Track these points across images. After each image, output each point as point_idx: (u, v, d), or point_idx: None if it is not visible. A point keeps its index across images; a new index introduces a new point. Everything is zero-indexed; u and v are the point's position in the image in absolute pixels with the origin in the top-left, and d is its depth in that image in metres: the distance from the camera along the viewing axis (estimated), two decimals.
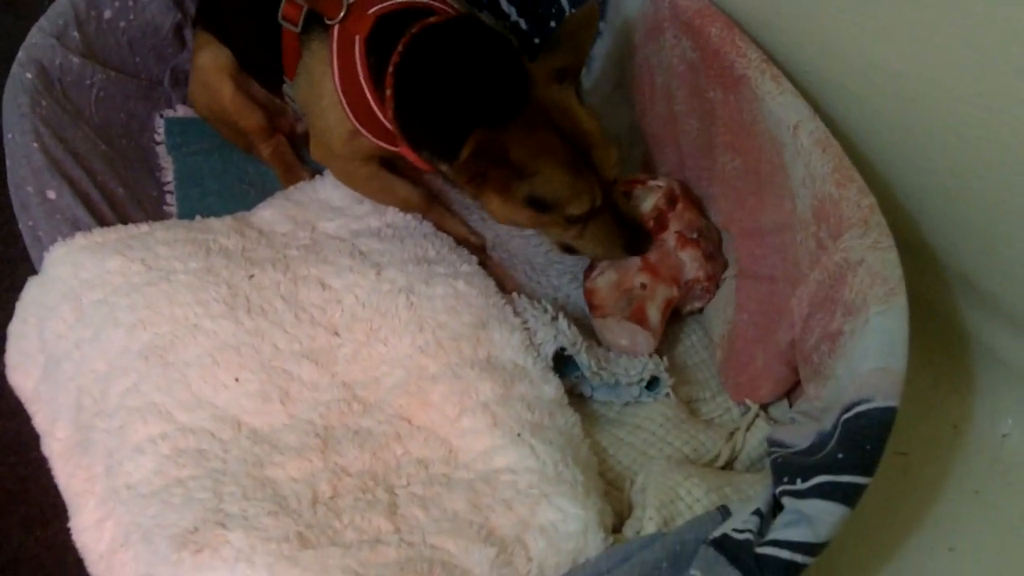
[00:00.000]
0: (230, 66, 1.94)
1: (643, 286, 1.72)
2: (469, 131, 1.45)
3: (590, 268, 1.80)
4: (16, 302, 1.64)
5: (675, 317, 1.80)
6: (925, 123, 1.38)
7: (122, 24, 1.99)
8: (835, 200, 1.37)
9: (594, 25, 1.64)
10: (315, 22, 1.69)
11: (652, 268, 1.72)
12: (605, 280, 1.75)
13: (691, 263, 1.73)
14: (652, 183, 1.79)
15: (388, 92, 1.62)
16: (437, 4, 1.71)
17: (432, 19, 1.63)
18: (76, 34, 1.89)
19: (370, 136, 1.72)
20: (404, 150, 1.70)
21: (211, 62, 1.94)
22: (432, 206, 1.93)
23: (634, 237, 1.68)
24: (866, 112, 1.49)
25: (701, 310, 1.83)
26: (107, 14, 1.96)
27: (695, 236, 1.74)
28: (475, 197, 1.66)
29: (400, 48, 1.61)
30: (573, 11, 1.65)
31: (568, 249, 1.73)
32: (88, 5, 1.92)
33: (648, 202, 1.76)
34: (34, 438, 1.55)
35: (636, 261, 1.73)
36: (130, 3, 1.99)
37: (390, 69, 1.61)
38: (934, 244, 1.53)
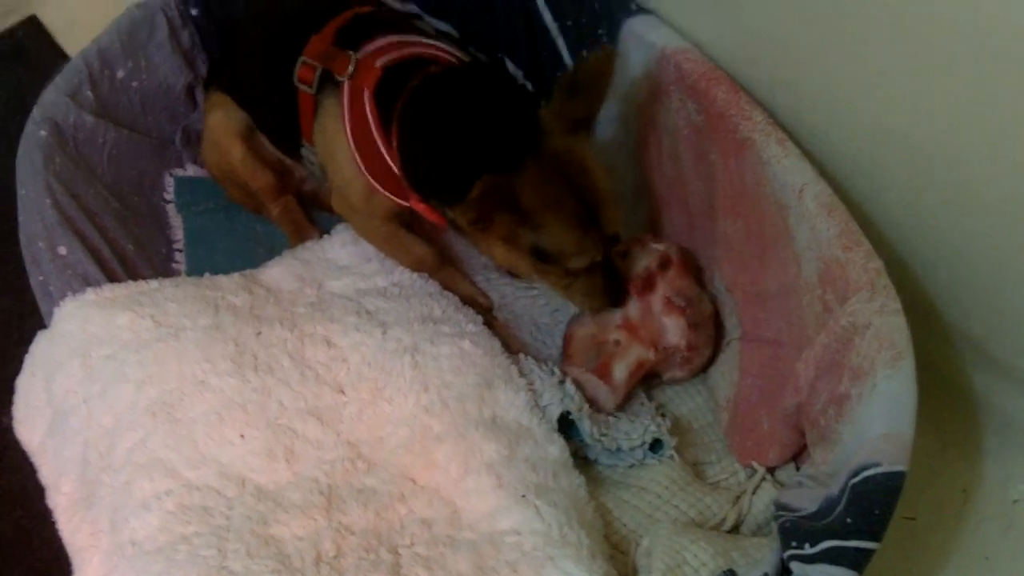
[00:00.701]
0: (241, 127, 1.96)
1: (616, 343, 1.73)
2: (476, 176, 1.45)
3: (576, 315, 1.82)
4: (25, 356, 1.64)
5: (656, 381, 1.81)
6: (933, 186, 1.39)
7: (135, 84, 2.02)
8: (841, 263, 1.38)
9: (611, 71, 1.60)
10: (328, 81, 1.71)
11: (631, 327, 1.73)
12: (584, 331, 1.77)
13: (674, 329, 1.73)
14: (653, 245, 1.80)
15: (395, 144, 1.64)
16: (444, 55, 1.72)
17: (433, 68, 1.65)
18: (90, 93, 1.91)
19: (384, 191, 1.72)
20: (414, 201, 1.70)
21: (222, 122, 1.95)
22: (444, 266, 1.93)
23: (616, 291, 1.70)
24: (873, 175, 1.50)
25: (683, 379, 1.82)
26: (120, 74, 1.98)
27: (683, 304, 1.74)
28: (476, 241, 1.67)
29: (404, 96, 1.62)
30: (587, 54, 1.62)
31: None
32: (102, 64, 1.94)
33: (640, 263, 1.77)
34: (39, 491, 1.54)
35: (616, 318, 1.74)
36: (143, 63, 2.02)
37: (395, 124, 1.63)
38: (942, 307, 1.53)
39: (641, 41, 1.76)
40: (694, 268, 1.82)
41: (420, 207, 1.70)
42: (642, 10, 1.80)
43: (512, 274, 1.97)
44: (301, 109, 1.77)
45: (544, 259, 1.58)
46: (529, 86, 2.04)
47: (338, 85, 1.69)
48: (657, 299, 1.73)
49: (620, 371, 1.70)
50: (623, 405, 1.73)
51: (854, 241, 1.38)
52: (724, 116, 1.62)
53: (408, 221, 1.88)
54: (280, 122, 1.86)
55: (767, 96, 1.63)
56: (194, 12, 2.07)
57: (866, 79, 1.40)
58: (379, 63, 1.66)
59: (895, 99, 1.37)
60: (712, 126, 1.67)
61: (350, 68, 1.67)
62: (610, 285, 1.68)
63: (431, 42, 1.75)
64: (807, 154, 1.53)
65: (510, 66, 2.09)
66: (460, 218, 1.56)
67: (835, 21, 1.40)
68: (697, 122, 1.71)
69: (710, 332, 1.78)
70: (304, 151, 1.84)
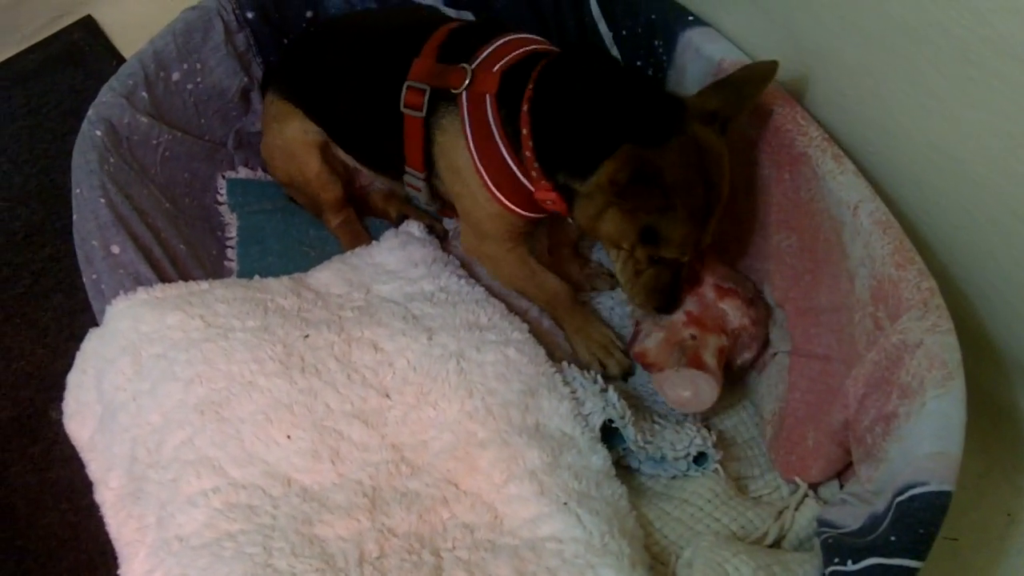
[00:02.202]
0: (319, 140, 1.98)
1: (693, 337, 1.72)
2: (615, 142, 1.44)
3: (633, 337, 1.81)
4: (76, 352, 1.66)
5: (728, 374, 1.78)
6: (987, 207, 1.38)
7: (189, 86, 2.03)
8: (894, 281, 1.38)
9: (769, 80, 1.58)
10: (440, 101, 1.71)
11: (697, 321, 1.73)
12: (653, 340, 1.75)
13: (733, 311, 1.74)
14: None
15: (524, 131, 1.63)
16: (554, 48, 1.73)
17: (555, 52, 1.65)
18: (145, 94, 1.92)
19: (509, 204, 1.72)
20: (539, 190, 1.66)
21: (299, 135, 1.97)
22: (577, 304, 1.91)
23: (674, 298, 1.70)
24: (927, 194, 1.49)
25: (753, 361, 1.81)
26: (175, 76, 2.00)
27: (732, 285, 1.75)
28: (585, 210, 1.61)
29: (531, 85, 1.62)
30: (756, 62, 1.61)
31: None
32: (157, 66, 1.95)
33: None
34: (86, 485, 1.56)
35: (680, 316, 1.73)
36: (198, 66, 2.03)
37: (524, 108, 1.62)
38: (992, 330, 1.53)
39: (698, 53, 1.77)
40: (722, 256, 1.84)
41: (546, 194, 1.66)
42: (699, 22, 1.80)
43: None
44: (407, 135, 1.77)
45: (648, 241, 1.57)
46: None
47: (452, 101, 1.69)
48: (708, 288, 1.74)
49: (710, 359, 1.69)
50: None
51: (907, 259, 1.38)
52: (780, 130, 1.63)
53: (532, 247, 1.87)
54: (382, 150, 1.88)
55: (822, 113, 1.63)
56: (250, 15, 2.08)
57: (921, 100, 1.40)
58: (496, 68, 1.67)
59: (949, 119, 1.37)
60: (767, 140, 1.67)
61: (467, 80, 1.67)
62: (674, 289, 1.68)
63: (534, 37, 1.75)
64: (862, 171, 1.53)
65: None
66: (594, 184, 1.54)
67: (892, 41, 1.40)
68: (751, 136, 1.71)
69: (765, 304, 1.79)
70: (407, 177, 1.85)
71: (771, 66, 1.58)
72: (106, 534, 1.49)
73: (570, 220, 1.69)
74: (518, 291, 1.93)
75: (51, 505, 1.90)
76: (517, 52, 1.69)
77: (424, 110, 1.73)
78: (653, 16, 1.86)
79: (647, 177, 1.45)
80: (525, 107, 1.62)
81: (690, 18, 1.81)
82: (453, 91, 1.69)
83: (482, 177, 1.70)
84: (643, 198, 1.50)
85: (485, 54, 1.70)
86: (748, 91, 1.58)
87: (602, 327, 1.90)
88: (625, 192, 1.48)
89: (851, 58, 1.52)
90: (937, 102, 1.37)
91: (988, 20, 1.21)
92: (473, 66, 1.68)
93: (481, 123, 1.67)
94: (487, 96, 1.66)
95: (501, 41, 1.72)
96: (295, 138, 1.97)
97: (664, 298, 1.69)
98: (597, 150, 1.51)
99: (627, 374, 1.87)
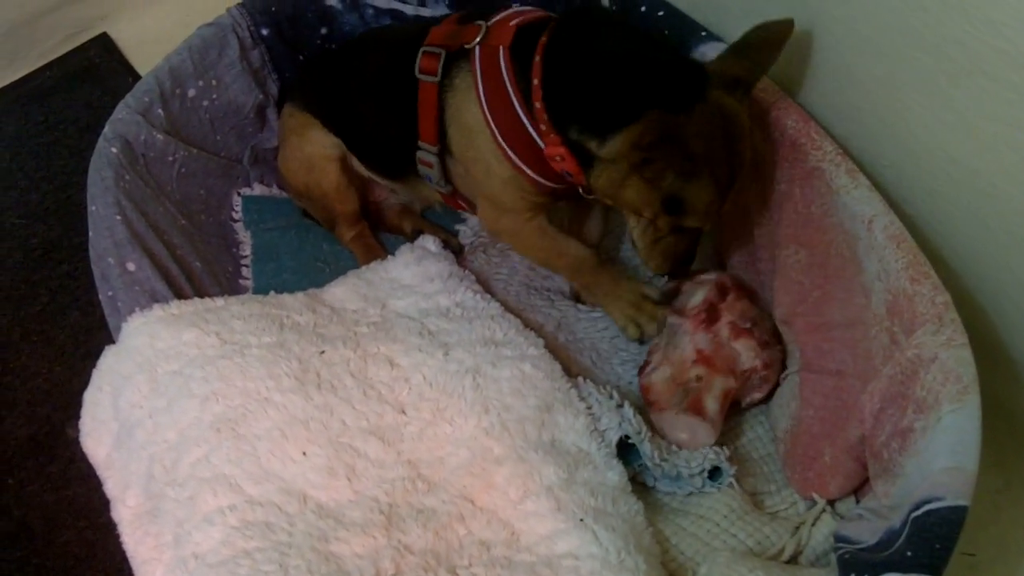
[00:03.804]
0: (338, 152, 1.98)
1: (698, 378, 1.70)
2: (638, 107, 1.43)
3: (644, 364, 1.80)
4: (92, 370, 1.66)
5: (736, 409, 1.78)
6: (1002, 220, 1.38)
7: (205, 103, 2.04)
8: (909, 295, 1.37)
9: (785, 41, 1.55)
10: (454, 62, 1.70)
11: (707, 360, 1.71)
12: (660, 375, 1.74)
13: (746, 352, 1.72)
14: (702, 277, 1.81)
15: (535, 81, 1.60)
16: None
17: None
18: (160, 111, 1.93)
19: (521, 164, 1.69)
20: (551, 147, 1.62)
21: (320, 147, 1.98)
22: (604, 265, 1.89)
23: (687, 263, 1.69)
24: (942, 207, 1.49)
25: (762, 402, 1.80)
26: (191, 92, 2.00)
27: (748, 326, 1.73)
28: (606, 175, 1.57)
29: (546, 36, 1.60)
30: (769, 21, 1.56)
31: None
32: (173, 83, 1.96)
33: (698, 296, 1.77)
34: (103, 503, 1.56)
35: (690, 354, 1.72)
36: (213, 82, 2.04)
37: (537, 58, 1.60)
38: (1009, 343, 1.52)
39: None
40: (748, 290, 1.82)
41: (555, 149, 1.62)
42: (712, 37, 1.79)
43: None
44: (421, 106, 1.75)
45: (671, 210, 1.55)
46: None
47: (466, 57, 1.68)
48: (724, 327, 1.73)
49: (712, 404, 1.68)
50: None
51: (922, 273, 1.38)
52: (794, 145, 1.62)
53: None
54: (390, 134, 1.87)
55: (836, 127, 1.62)
56: (264, 32, 2.09)
57: (936, 113, 1.40)
58: (512, 23, 1.66)
59: (964, 132, 1.37)
60: (782, 155, 1.67)
61: (481, 34, 1.66)
62: (687, 256, 1.67)
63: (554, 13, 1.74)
64: (876, 185, 1.53)
65: None
66: (608, 151, 1.53)
67: (907, 54, 1.40)
68: (765, 151, 1.71)
69: (779, 346, 1.78)
70: (420, 153, 1.82)
71: (787, 25, 1.55)
72: (123, 552, 1.49)
73: (581, 192, 1.68)
74: (541, 263, 1.93)
75: (68, 523, 1.91)
76: (535, 13, 1.69)
77: (439, 75, 1.71)
78: (666, 32, 1.85)
79: (674, 145, 1.44)
80: (538, 57, 1.60)
81: (703, 33, 1.80)
82: (466, 46, 1.68)
83: (494, 135, 1.67)
84: (669, 167, 1.49)
85: (502, 15, 1.70)
86: (768, 51, 1.56)
87: (631, 283, 1.89)
88: (651, 160, 1.47)
89: (866, 71, 1.52)
90: (952, 115, 1.37)
91: (1004, 33, 1.21)
92: (489, 24, 1.68)
93: (494, 77, 1.65)
94: (500, 48, 1.64)
95: (518, 7, 1.72)
96: (316, 150, 1.98)
97: (679, 263, 1.69)
98: (618, 112, 1.49)
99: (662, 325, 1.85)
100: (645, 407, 1.74)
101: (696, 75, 1.51)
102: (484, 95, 1.66)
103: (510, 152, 1.68)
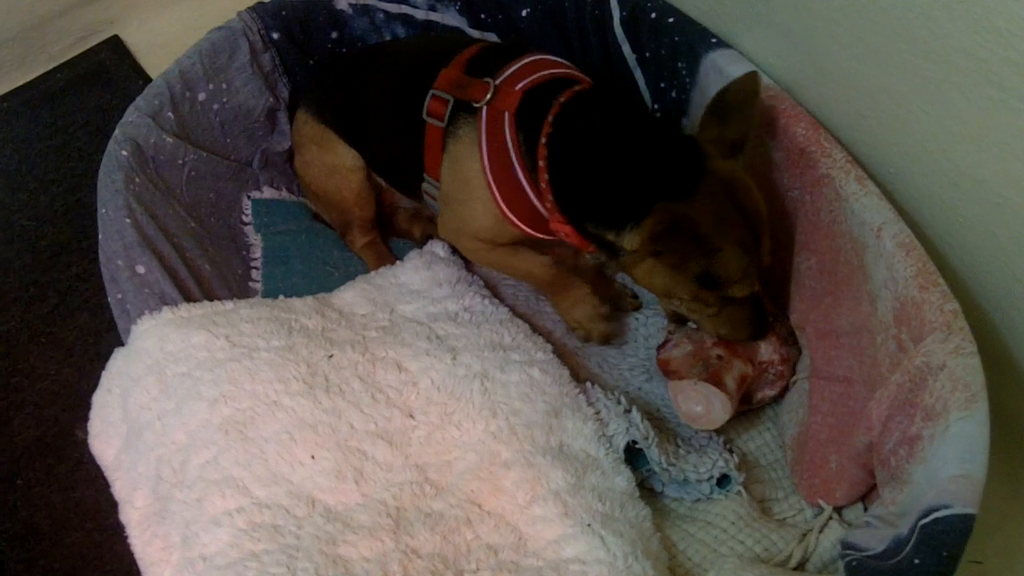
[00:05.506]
0: (361, 163, 2.00)
1: (719, 357, 1.72)
2: (647, 200, 1.45)
3: (663, 344, 1.81)
4: (101, 372, 1.67)
5: (746, 405, 1.78)
6: (1010, 230, 1.38)
7: (215, 106, 2.04)
8: (917, 303, 1.37)
9: (758, 92, 1.59)
10: (461, 111, 1.72)
11: (728, 345, 1.72)
12: (680, 351, 1.76)
13: (766, 346, 1.74)
14: None
15: (541, 163, 1.63)
16: (579, 74, 1.73)
17: (579, 87, 1.65)
18: (171, 114, 1.93)
19: (517, 222, 1.72)
20: (556, 224, 1.68)
21: (343, 158, 1.99)
22: (558, 279, 1.89)
23: (761, 323, 1.68)
24: (950, 216, 1.49)
25: (773, 400, 1.81)
26: (201, 96, 2.01)
27: (770, 320, 1.74)
28: (633, 266, 1.60)
29: (551, 117, 1.62)
30: (733, 80, 1.60)
31: (678, 319, 1.74)
32: (183, 87, 1.96)
33: None
34: (111, 505, 1.57)
35: (712, 337, 1.73)
36: (224, 86, 2.04)
37: (542, 140, 1.62)
38: (1017, 351, 1.52)
39: (722, 75, 1.75)
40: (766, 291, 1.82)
41: (564, 229, 1.67)
42: (722, 44, 1.80)
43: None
44: (428, 144, 1.78)
45: (708, 285, 1.56)
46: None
47: (473, 113, 1.70)
48: None
49: (730, 382, 1.69)
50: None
51: (931, 281, 1.38)
52: (804, 152, 1.63)
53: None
54: (402, 161, 1.88)
55: (845, 135, 1.62)
56: (275, 36, 2.09)
57: (944, 122, 1.40)
58: (519, 86, 1.67)
59: (972, 141, 1.37)
60: (791, 162, 1.67)
61: (489, 94, 1.68)
62: (756, 316, 1.66)
63: (562, 60, 1.76)
64: (885, 193, 1.53)
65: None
66: (627, 243, 1.55)
67: (915, 63, 1.40)
68: (776, 159, 1.71)
69: (796, 346, 1.79)
70: (426, 185, 1.85)
71: (752, 78, 1.59)
72: (131, 554, 1.50)
73: (587, 256, 1.69)
74: (496, 270, 1.95)
75: (76, 525, 1.91)
76: (541, 74, 1.69)
77: (445, 121, 1.73)
78: (676, 38, 1.86)
79: (685, 232, 1.46)
80: (543, 140, 1.62)
81: (713, 40, 1.81)
82: (475, 104, 1.69)
83: (493, 194, 1.70)
84: (685, 251, 1.50)
85: (510, 71, 1.71)
86: (747, 108, 1.58)
87: (586, 297, 1.89)
88: (667, 250, 1.50)
89: (874, 80, 1.52)
90: (960, 124, 1.37)
91: (1011, 43, 1.21)
92: (497, 82, 1.69)
93: (498, 141, 1.67)
94: (506, 114, 1.66)
95: (527, 60, 1.72)
96: (339, 162, 1.99)
97: (754, 327, 1.68)
98: (626, 207, 1.52)
99: (607, 340, 1.91)
100: (664, 377, 1.77)
101: (693, 153, 1.54)
102: (487, 156, 1.69)
103: (508, 212, 1.71)
